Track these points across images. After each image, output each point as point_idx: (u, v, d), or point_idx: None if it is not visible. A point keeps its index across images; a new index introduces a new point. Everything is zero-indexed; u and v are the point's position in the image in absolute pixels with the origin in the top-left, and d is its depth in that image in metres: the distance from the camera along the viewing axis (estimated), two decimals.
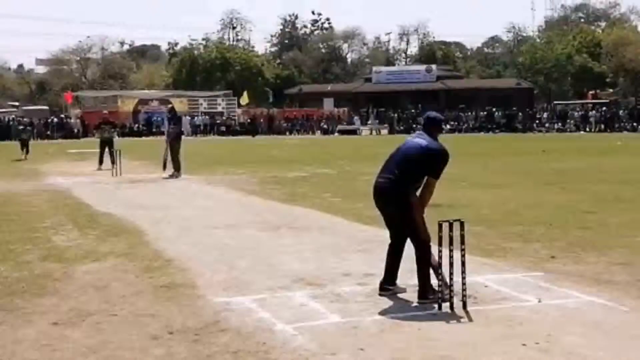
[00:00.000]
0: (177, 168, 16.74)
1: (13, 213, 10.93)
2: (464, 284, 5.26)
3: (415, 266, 5.61)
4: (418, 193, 5.65)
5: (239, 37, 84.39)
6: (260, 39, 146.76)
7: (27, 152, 25.42)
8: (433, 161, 5.58)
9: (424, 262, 5.54)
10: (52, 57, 72.99)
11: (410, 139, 5.89)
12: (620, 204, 10.94)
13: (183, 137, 18.12)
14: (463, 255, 5.28)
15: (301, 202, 11.83)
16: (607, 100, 52.73)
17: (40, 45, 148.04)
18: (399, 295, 5.69)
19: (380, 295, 5.70)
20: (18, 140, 27.35)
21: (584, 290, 5.78)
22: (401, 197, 5.58)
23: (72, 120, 48.61)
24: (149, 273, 6.62)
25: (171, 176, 16.54)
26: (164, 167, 16.80)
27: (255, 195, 13.07)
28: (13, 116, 50.12)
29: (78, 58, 74.18)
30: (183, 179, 16.26)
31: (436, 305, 5.30)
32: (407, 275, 6.16)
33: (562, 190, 13.06)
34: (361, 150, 28.02)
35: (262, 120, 52.20)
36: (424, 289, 5.52)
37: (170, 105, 22.05)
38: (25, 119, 47.69)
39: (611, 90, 60.63)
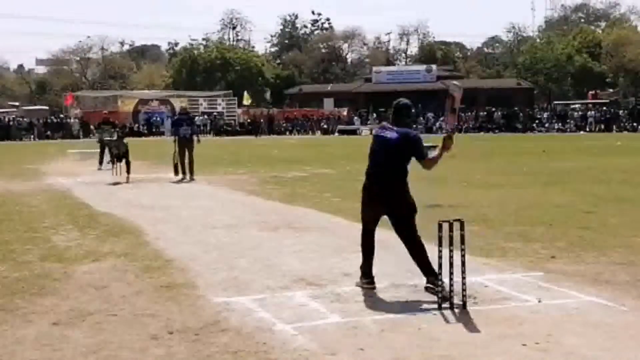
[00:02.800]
0: (192, 171, 16.19)
1: (13, 213, 10.94)
2: (464, 284, 5.26)
3: (412, 266, 5.66)
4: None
5: (239, 37, 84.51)
6: (260, 39, 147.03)
7: (123, 165, 16.31)
8: (414, 148, 5.78)
9: (422, 257, 5.68)
10: (52, 57, 73.13)
11: (379, 135, 6.00)
12: (620, 204, 10.94)
13: (198, 138, 16.96)
14: (463, 255, 5.28)
15: (301, 202, 11.82)
16: (607, 101, 52.76)
17: (40, 45, 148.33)
18: (397, 295, 5.69)
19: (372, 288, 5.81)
20: (107, 149, 18.24)
21: (584, 290, 5.78)
22: (401, 197, 5.75)
23: (72, 121, 48.63)
24: (149, 273, 6.62)
25: (182, 179, 15.96)
26: (176, 171, 16.15)
27: (255, 195, 13.07)
28: (13, 116, 50.18)
29: (78, 58, 74.23)
30: (184, 179, 16.23)
31: (436, 305, 5.30)
32: (407, 275, 6.18)
33: (562, 190, 13.06)
34: (361, 150, 27.92)
35: (261, 120, 52.22)
36: (429, 270, 5.63)
37: (182, 105, 18.90)
38: (25, 119, 47.77)
39: (611, 90, 60.66)
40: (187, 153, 16.25)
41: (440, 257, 5.28)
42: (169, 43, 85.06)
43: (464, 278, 5.26)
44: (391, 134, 5.82)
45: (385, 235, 8.45)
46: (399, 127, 5.86)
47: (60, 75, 72.61)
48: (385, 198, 5.78)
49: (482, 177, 15.89)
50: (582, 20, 79.68)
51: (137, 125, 49.83)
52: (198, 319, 5.14)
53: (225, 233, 8.85)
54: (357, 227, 9.10)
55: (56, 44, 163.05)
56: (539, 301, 5.47)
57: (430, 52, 76.10)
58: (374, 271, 6.24)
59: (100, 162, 19.68)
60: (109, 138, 20.00)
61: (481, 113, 51.34)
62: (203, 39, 78.90)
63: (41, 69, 78.25)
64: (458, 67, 76.89)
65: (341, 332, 4.80)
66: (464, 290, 5.26)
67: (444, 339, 4.61)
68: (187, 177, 16.09)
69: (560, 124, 48.72)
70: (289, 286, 6.05)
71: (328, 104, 56.80)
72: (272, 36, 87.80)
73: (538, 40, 74.49)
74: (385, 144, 5.82)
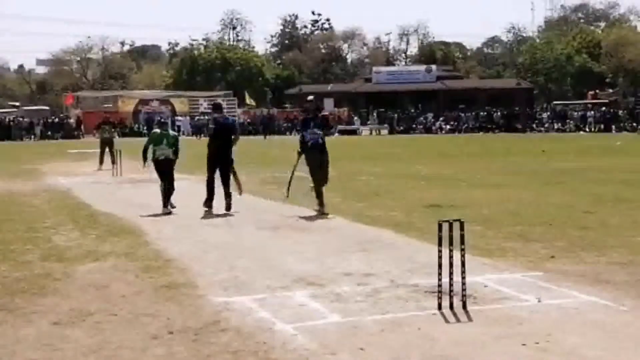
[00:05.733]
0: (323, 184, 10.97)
1: (14, 213, 10.94)
2: (463, 283, 5.26)
3: (412, 266, 5.65)
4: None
5: (239, 38, 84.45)
6: (261, 39, 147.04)
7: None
8: (235, 128, 11.80)
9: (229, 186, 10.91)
10: (53, 58, 73.07)
11: (220, 122, 11.28)
12: (620, 204, 10.94)
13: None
14: (463, 255, 5.28)
15: (301, 202, 11.81)
16: (607, 101, 52.73)
17: (41, 45, 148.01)
18: (397, 295, 5.70)
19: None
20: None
21: (583, 290, 5.78)
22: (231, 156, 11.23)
23: (72, 121, 48.65)
24: (149, 273, 6.63)
25: (322, 212, 10.37)
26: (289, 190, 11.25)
27: (256, 195, 13.07)
28: (14, 116, 50.20)
29: (78, 58, 74.21)
30: (184, 179, 16.18)
31: (436, 305, 5.30)
32: (407, 275, 6.20)
33: (562, 190, 13.06)
34: (361, 150, 28.02)
35: (268, 121, 52.20)
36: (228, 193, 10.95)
37: (309, 98, 12.86)
38: (25, 119, 47.76)
39: (611, 90, 60.60)
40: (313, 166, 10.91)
41: (440, 257, 5.28)
42: (169, 43, 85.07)
43: (463, 278, 5.26)
44: (226, 121, 11.46)
45: (387, 235, 8.47)
46: (223, 116, 11.54)
47: (60, 75, 72.59)
48: (223, 158, 11.01)
49: (482, 177, 15.89)
50: (582, 20, 79.66)
51: (137, 125, 49.92)
52: (198, 318, 5.14)
53: (226, 233, 8.86)
54: (357, 227, 9.16)
55: (56, 44, 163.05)
56: (539, 301, 5.48)
57: (430, 52, 76.06)
58: (373, 270, 6.27)
59: (101, 162, 19.68)
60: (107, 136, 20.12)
61: (481, 113, 51.34)
62: (203, 39, 78.99)
63: (41, 69, 78.37)
64: (458, 67, 76.86)
65: (341, 332, 4.81)
66: (463, 290, 5.26)
67: (443, 339, 4.62)
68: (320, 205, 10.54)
69: (560, 124, 48.71)
70: (289, 286, 6.06)
71: (328, 104, 56.72)
72: (272, 36, 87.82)
73: (538, 40, 74.48)
74: (226, 127, 11.15)
